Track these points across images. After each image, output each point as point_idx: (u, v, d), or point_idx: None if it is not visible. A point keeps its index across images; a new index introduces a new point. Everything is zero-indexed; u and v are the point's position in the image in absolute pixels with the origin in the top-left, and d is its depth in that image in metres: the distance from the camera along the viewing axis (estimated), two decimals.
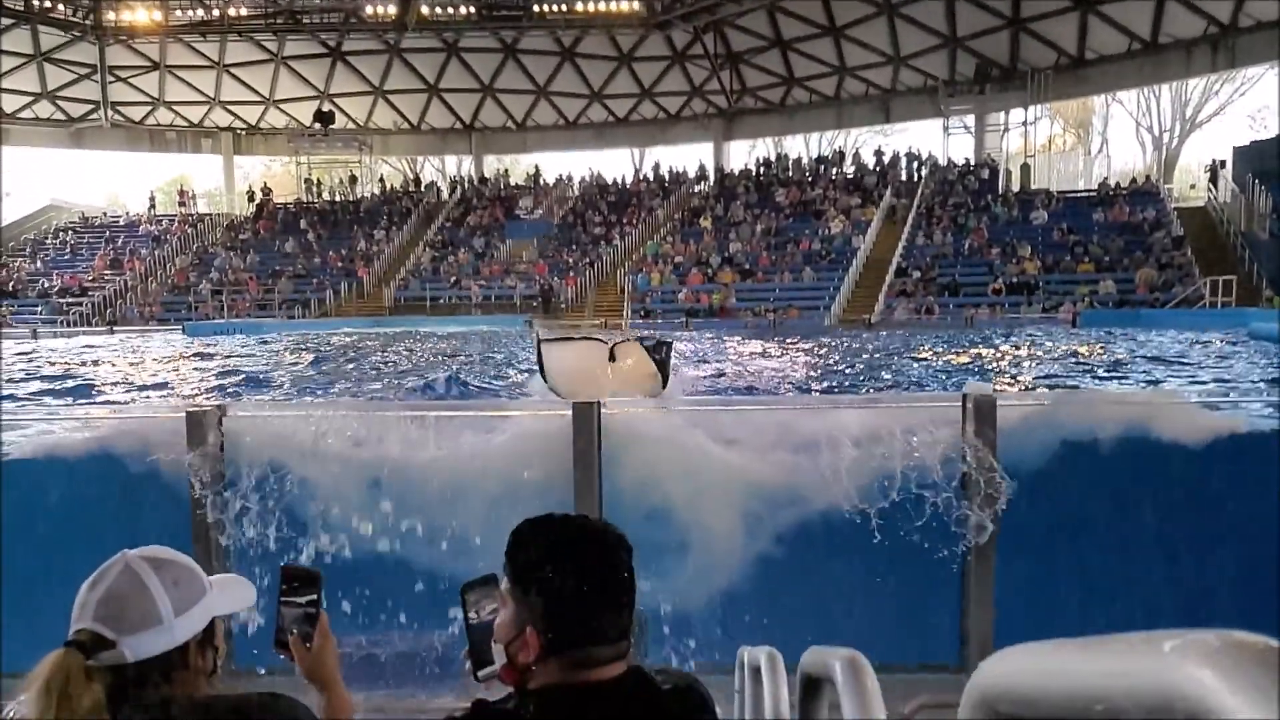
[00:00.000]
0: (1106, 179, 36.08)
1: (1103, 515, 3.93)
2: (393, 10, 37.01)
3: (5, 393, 10.63)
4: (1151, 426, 3.91)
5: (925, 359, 14.70)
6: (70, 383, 12.50)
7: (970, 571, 3.63)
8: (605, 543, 1.47)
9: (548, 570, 1.43)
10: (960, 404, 3.73)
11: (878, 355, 15.75)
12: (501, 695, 1.49)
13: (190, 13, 37.24)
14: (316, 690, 1.73)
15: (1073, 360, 13.88)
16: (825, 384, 11.58)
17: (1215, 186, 30.88)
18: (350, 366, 15.01)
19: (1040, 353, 15.62)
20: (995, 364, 13.99)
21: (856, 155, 39.52)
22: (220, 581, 1.65)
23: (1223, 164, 30.86)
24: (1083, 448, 3.87)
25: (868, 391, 10.35)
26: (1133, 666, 0.49)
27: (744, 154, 44.49)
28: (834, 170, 37.61)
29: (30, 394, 10.96)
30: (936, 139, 39.02)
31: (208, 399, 10.90)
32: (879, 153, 37.98)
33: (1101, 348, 16.07)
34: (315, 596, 1.73)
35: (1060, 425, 3.92)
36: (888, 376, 12.33)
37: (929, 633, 3.83)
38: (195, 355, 18.25)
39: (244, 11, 37.31)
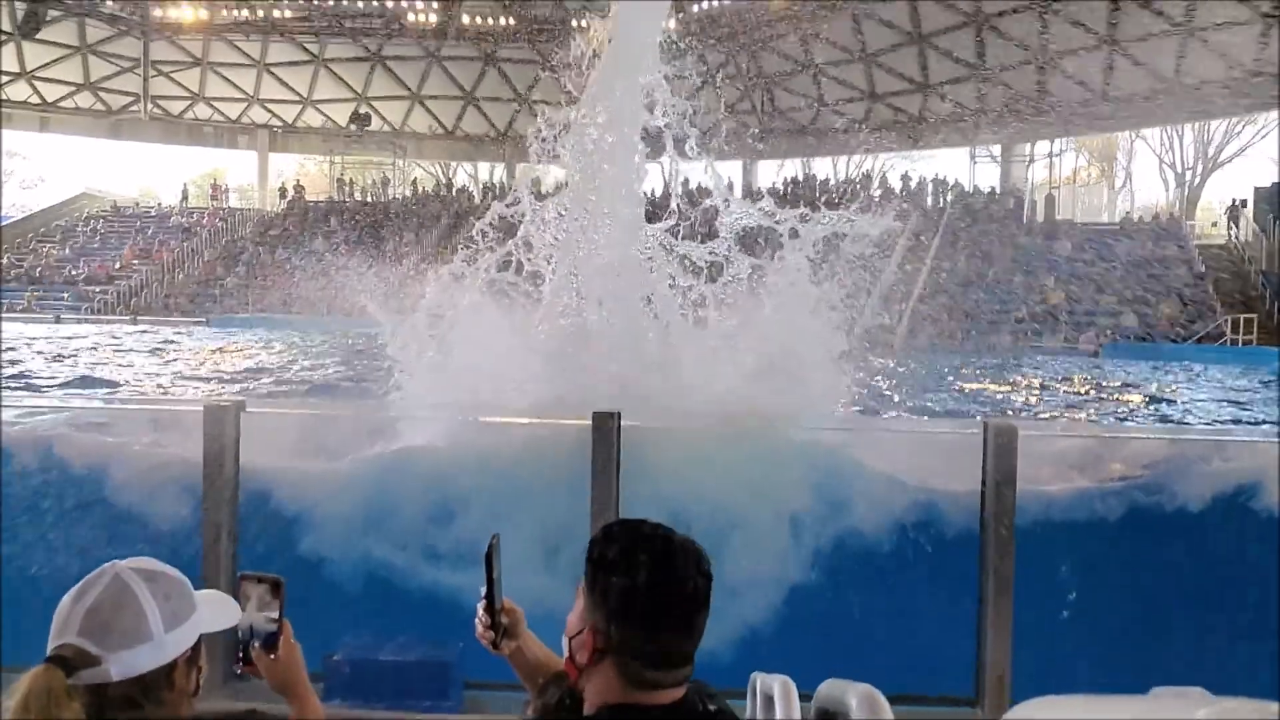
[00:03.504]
0: (1130, 213, 35.85)
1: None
2: (434, 19, 37.41)
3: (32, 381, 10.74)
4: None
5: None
6: (89, 371, 12.61)
7: (988, 604, 3.57)
8: (680, 560, 1.45)
9: (617, 575, 1.42)
10: (981, 433, 3.67)
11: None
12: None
13: (235, 13, 37.82)
14: (287, 700, 1.67)
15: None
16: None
17: (1236, 225, 30.82)
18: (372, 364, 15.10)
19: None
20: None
21: (884, 179, 39.48)
22: (206, 597, 1.57)
23: (1244, 204, 30.91)
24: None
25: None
26: None
27: (772, 173, 44.54)
28: (860, 193, 37.54)
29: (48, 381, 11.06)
30: (964, 166, 38.95)
31: (227, 393, 10.97)
32: (905, 177, 37.92)
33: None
34: (279, 604, 1.66)
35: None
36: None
37: (944, 664, 3.77)
38: (217, 349, 18.41)
39: (288, 14, 37.86)
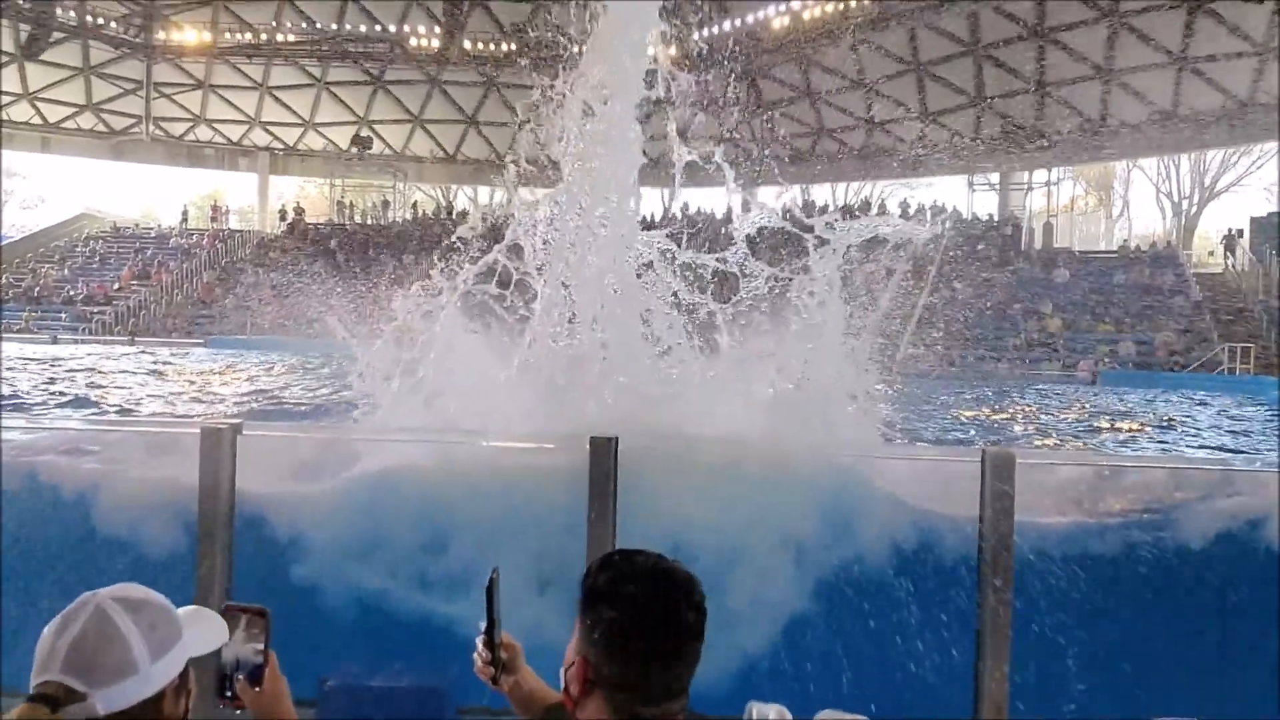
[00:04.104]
0: (1127, 241, 36.11)
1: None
2: (436, 43, 37.79)
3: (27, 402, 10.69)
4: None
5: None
6: (83, 392, 12.56)
7: (986, 632, 3.55)
8: (671, 592, 1.43)
9: (606, 607, 1.41)
10: (979, 461, 3.67)
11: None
12: None
13: (238, 36, 38.18)
14: None
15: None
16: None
17: (1233, 255, 31.08)
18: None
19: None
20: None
21: (882, 206, 39.75)
22: (189, 616, 1.52)
23: (1240, 233, 31.15)
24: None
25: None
26: None
27: (771, 199, 44.80)
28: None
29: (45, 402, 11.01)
30: (962, 193, 39.26)
31: (223, 415, 10.92)
32: (904, 205, 38.19)
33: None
34: (264, 635, 1.62)
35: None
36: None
37: (942, 693, 3.74)
38: (214, 370, 18.38)
39: (291, 38, 38.22)
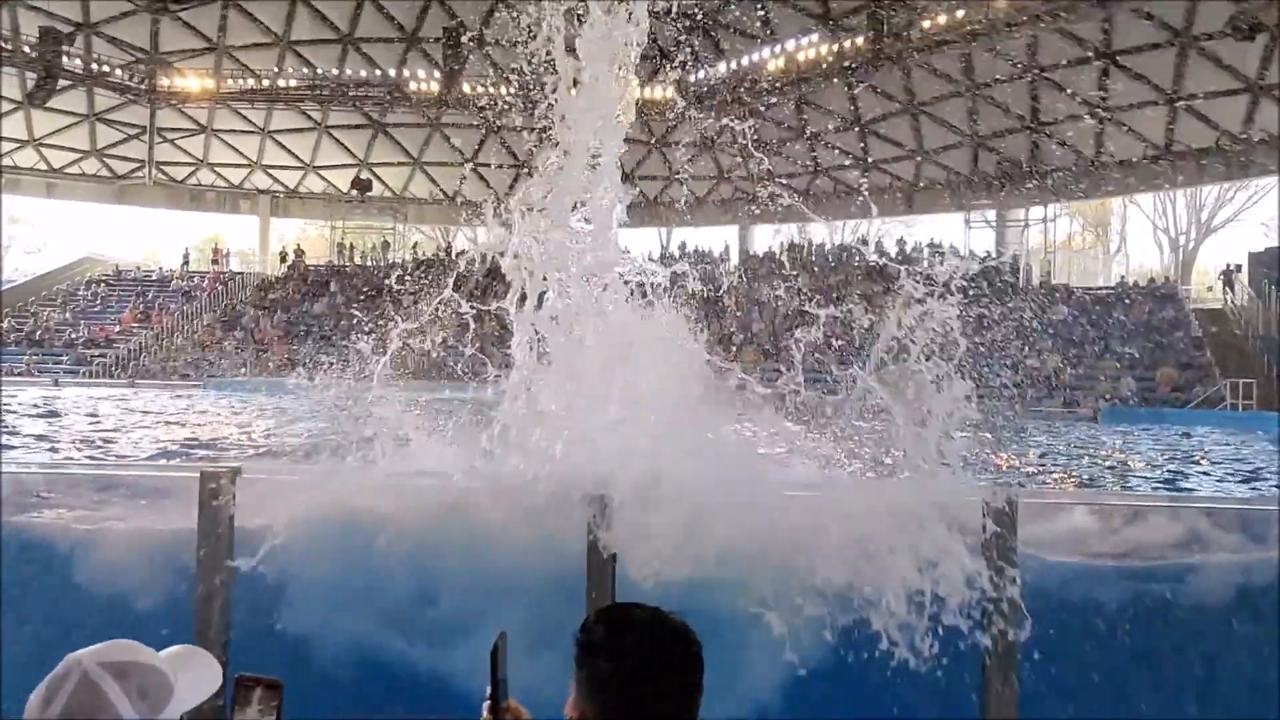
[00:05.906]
0: (1125, 277, 36.25)
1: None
2: (435, 87, 38.29)
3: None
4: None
5: None
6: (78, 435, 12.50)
7: (992, 682, 3.48)
8: (666, 646, 1.42)
9: (601, 661, 1.40)
10: (980, 503, 3.62)
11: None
12: None
13: (241, 82, 38.72)
14: None
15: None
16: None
17: (1231, 289, 31.17)
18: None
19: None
20: None
21: (879, 243, 40.03)
22: (178, 659, 1.46)
23: (1238, 268, 31.28)
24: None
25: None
26: None
27: (768, 237, 45.16)
28: (856, 257, 38.01)
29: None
30: (959, 231, 39.51)
31: (222, 458, 10.85)
32: (901, 242, 38.44)
33: None
34: (277, 706, 1.59)
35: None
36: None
37: None
38: (213, 412, 18.33)
39: (292, 83, 38.76)
